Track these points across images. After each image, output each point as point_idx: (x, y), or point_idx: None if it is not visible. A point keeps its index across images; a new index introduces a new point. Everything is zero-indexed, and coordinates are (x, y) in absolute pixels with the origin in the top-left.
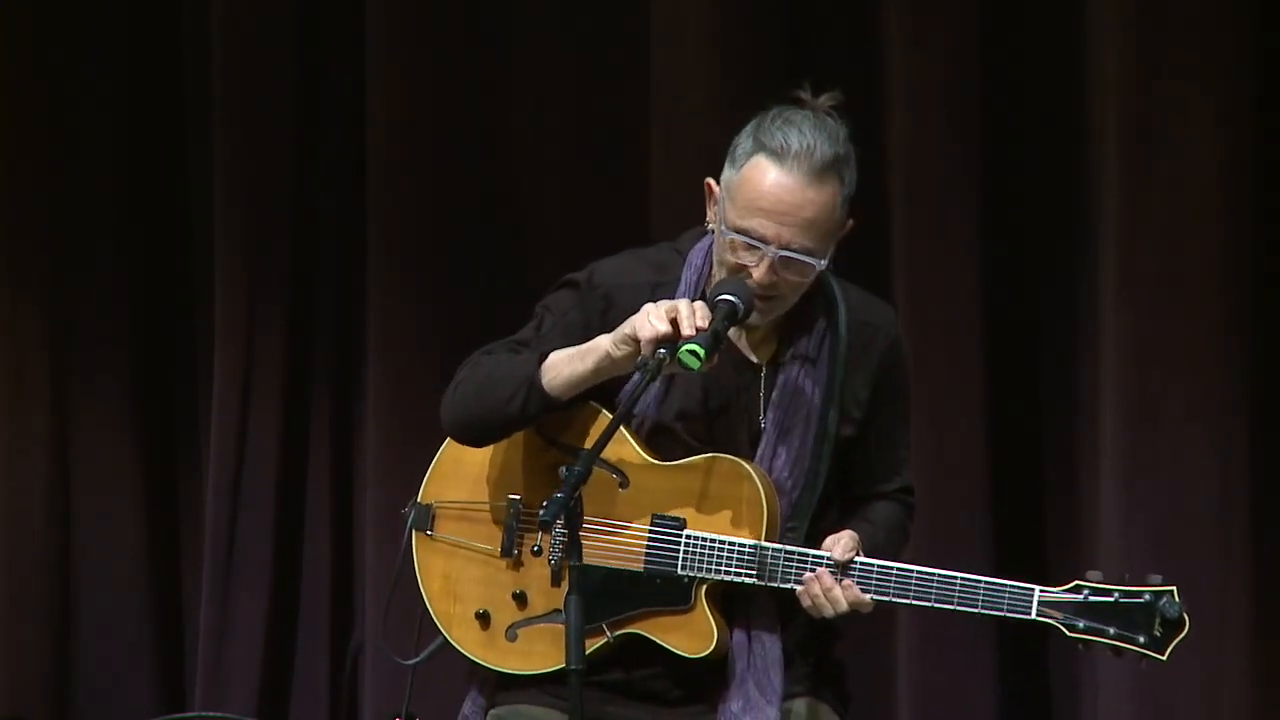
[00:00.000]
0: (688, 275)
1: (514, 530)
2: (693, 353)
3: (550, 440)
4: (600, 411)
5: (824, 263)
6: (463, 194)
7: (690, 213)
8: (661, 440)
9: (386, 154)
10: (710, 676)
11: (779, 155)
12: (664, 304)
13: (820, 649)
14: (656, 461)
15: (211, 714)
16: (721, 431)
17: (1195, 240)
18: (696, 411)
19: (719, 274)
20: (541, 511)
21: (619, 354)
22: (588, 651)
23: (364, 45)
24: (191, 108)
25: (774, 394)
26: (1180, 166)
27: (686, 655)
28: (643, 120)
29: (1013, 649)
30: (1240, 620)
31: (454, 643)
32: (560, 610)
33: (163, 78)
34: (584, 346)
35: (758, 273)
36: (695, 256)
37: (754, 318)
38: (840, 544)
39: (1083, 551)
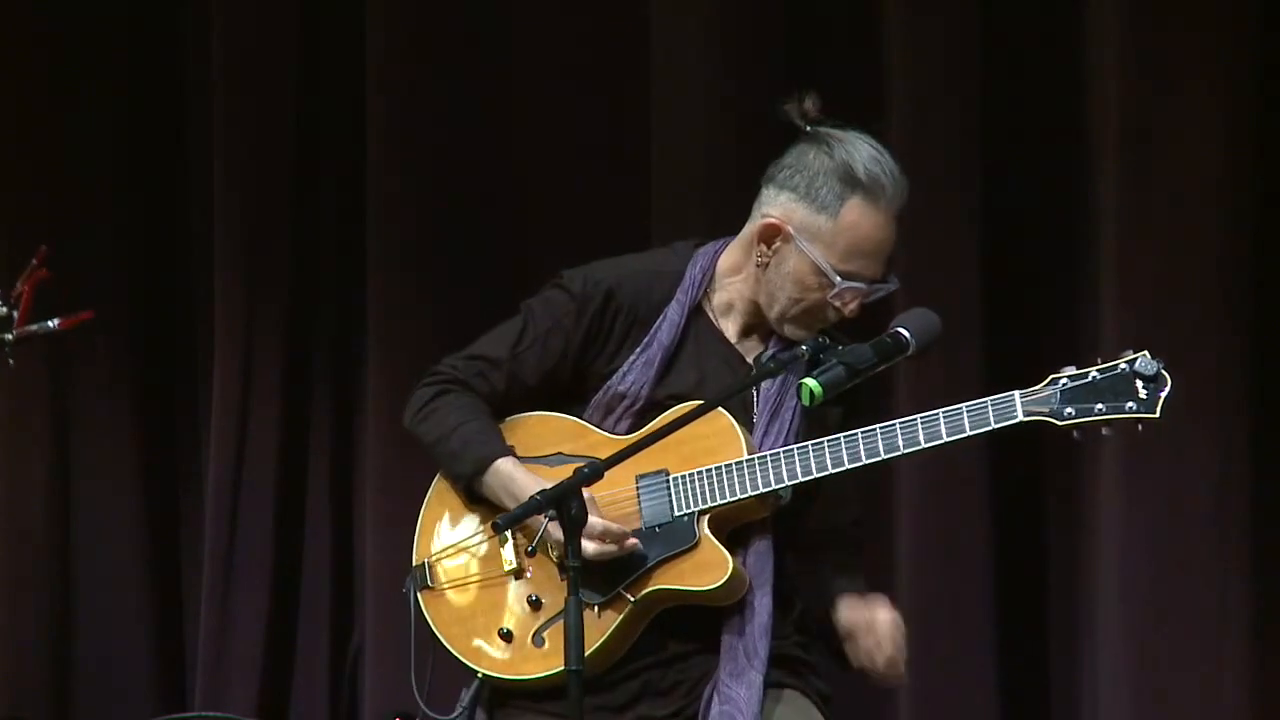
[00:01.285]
0: (692, 272)
1: (509, 545)
2: (811, 391)
3: (524, 459)
4: (563, 419)
5: (896, 283)
6: (463, 194)
7: (690, 212)
8: (652, 419)
9: (386, 154)
10: (699, 656)
11: (875, 196)
12: (603, 533)
13: (806, 641)
14: (619, 434)
15: (211, 714)
16: None
17: (1195, 240)
18: (691, 394)
19: (779, 307)
20: (498, 519)
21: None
22: (614, 625)
23: (364, 45)
24: (191, 107)
25: (765, 389)
26: (1180, 167)
27: (707, 589)
28: (643, 120)
29: (1013, 649)
30: (1240, 619)
31: (488, 674)
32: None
33: (163, 76)
34: (521, 490)
35: (852, 308)
36: (702, 258)
37: (804, 335)
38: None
39: (1083, 551)
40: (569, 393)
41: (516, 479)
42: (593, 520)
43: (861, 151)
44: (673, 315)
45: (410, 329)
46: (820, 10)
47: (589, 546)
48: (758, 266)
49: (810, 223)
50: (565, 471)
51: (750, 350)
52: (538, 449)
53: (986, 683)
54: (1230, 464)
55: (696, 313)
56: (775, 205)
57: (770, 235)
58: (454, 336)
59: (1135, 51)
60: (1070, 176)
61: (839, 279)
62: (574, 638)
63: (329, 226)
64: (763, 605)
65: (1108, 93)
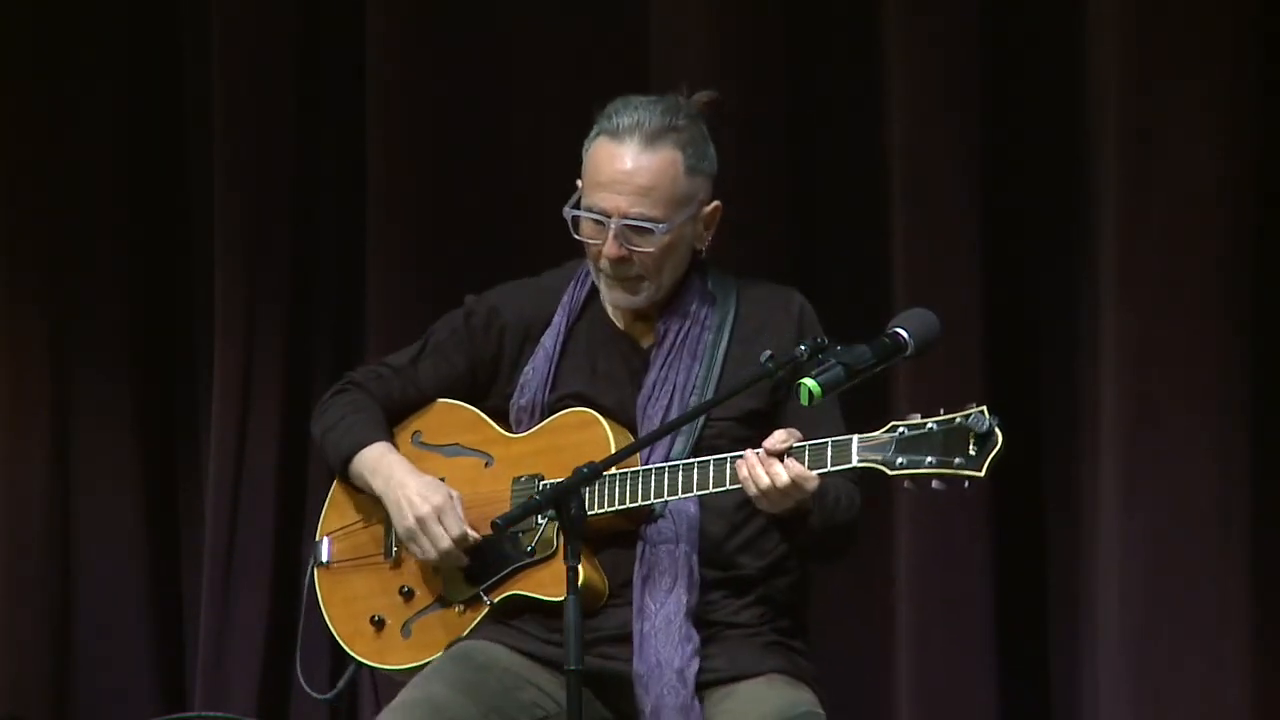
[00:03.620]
0: (579, 276)
1: (392, 532)
2: (810, 391)
3: (425, 446)
4: (465, 410)
5: (664, 228)
6: (463, 194)
7: None
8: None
9: (386, 154)
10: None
11: (613, 132)
12: (438, 539)
13: (790, 623)
14: (514, 434)
15: (211, 714)
16: (612, 408)
17: (1195, 240)
18: (585, 393)
19: (592, 272)
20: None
21: (393, 509)
22: (472, 626)
23: (365, 45)
24: (191, 107)
25: (648, 369)
26: (1181, 167)
27: (553, 600)
28: None
29: (1013, 649)
30: (1240, 620)
31: (357, 658)
32: (443, 597)
33: (163, 78)
34: (388, 474)
35: (607, 247)
36: (582, 270)
37: (626, 300)
38: (771, 436)
39: (1083, 552)
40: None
41: (383, 462)
42: (437, 531)
43: (626, 102)
44: (556, 320)
45: (410, 329)
46: (820, 11)
47: (425, 547)
48: None
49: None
50: (460, 463)
51: (642, 333)
52: (437, 437)
53: (986, 683)
54: (1230, 464)
55: (588, 310)
56: None
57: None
58: None
59: (1135, 51)
60: (1070, 176)
61: (584, 213)
62: (574, 637)
63: (329, 226)
64: (656, 610)
65: (1108, 93)
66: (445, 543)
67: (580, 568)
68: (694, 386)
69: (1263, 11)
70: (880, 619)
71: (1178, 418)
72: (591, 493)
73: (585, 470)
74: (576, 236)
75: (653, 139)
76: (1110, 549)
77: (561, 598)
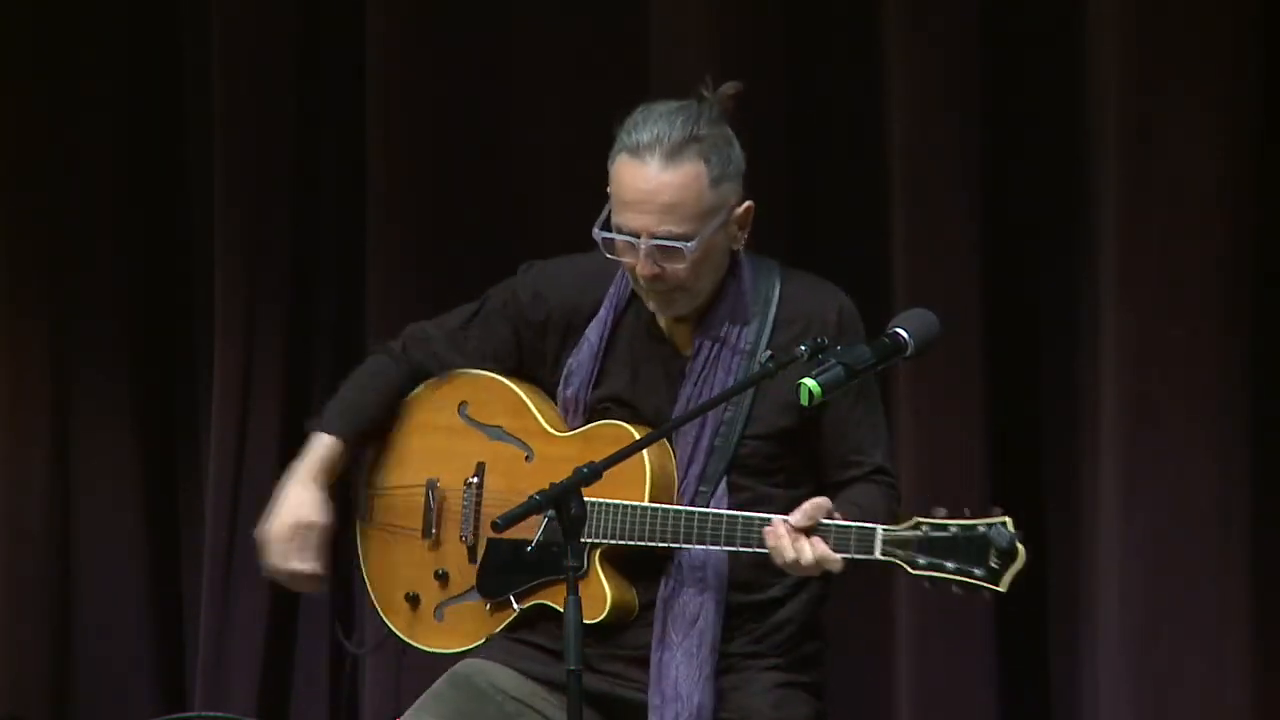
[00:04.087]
0: (620, 281)
1: (432, 510)
2: (810, 391)
3: (470, 420)
4: (510, 389)
5: (692, 246)
6: (463, 194)
7: None
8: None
9: (387, 154)
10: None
11: (634, 150)
12: (275, 559)
13: (812, 647)
14: (556, 433)
15: (211, 714)
16: (650, 415)
17: (1195, 240)
18: (626, 397)
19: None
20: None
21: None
22: (500, 628)
23: (365, 45)
24: (191, 107)
25: (684, 382)
26: (1181, 167)
27: (588, 622)
28: None
29: (1013, 649)
30: (1240, 620)
31: (391, 627)
32: (475, 588)
33: (163, 78)
34: (297, 467)
35: (640, 267)
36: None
37: (666, 310)
38: (801, 509)
39: (1083, 552)
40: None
41: (308, 457)
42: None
43: (645, 114)
44: (602, 313)
45: None
46: (820, 11)
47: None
48: None
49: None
50: (501, 450)
51: (682, 338)
52: (483, 414)
53: (986, 683)
54: (1230, 464)
55: (632, 306)
56: None
57: None
58: None
59: (1135, 51)
60: (1070, 176)
61: (614, 234)
62: (573, 637)
63: (329, 226)
64: (695, 602)
65: (1108, 93)
66: (279, 566)
67: (610, 584)
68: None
69: (1263, 11)
70: (881, 619)
71: (1178, 418)
72: (618, 523)
73: (585, 470)
74: (610, 256)
75: (674, 154)
76: (1110, 549)
77: (591, 620)
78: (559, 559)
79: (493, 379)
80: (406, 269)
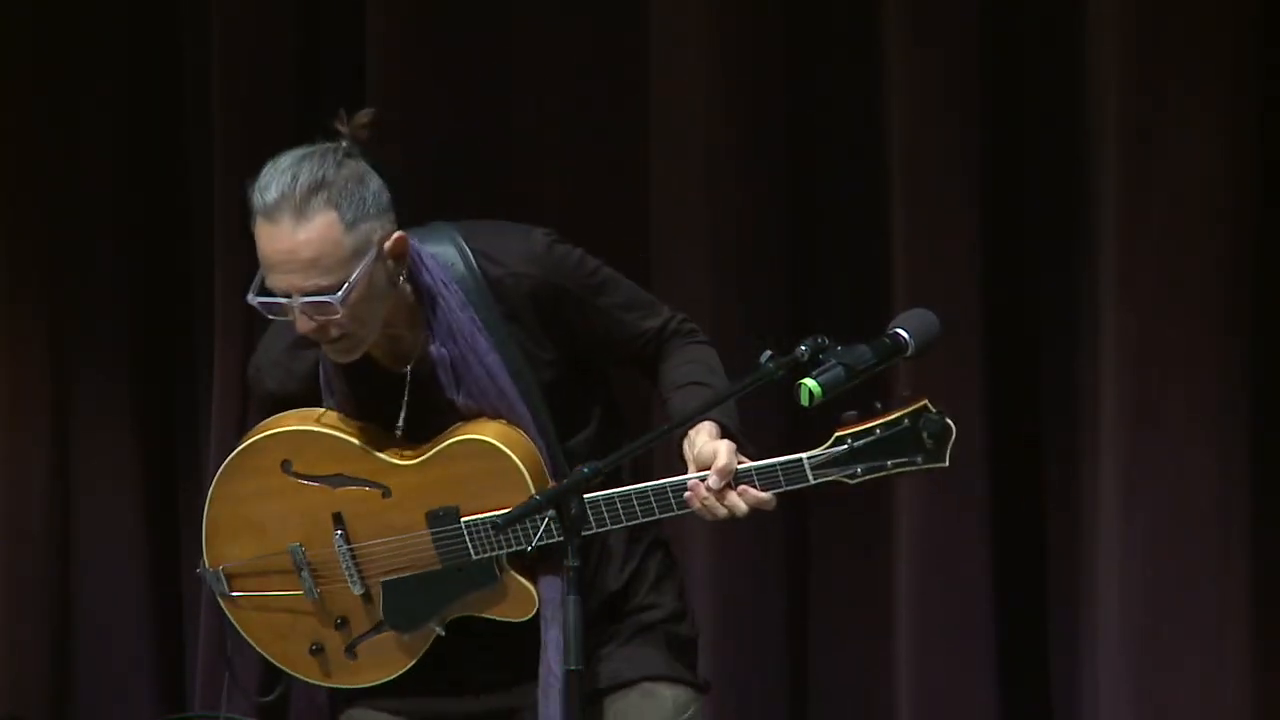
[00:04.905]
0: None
1: (305, 575)
2: (810, 391)
3: (300, 476)
4: (330, 435)
5: (340, 296)
6: (462, 195)
7: (690, 212)
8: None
9: (386, 154)
10: (532, 653)
11: (266, 213)
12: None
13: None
14: (406, 462)
15: (211, 714)
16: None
17: (1195, 240)
18: (352, 414)
19: None
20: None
21: None
22: (422, 652)
23: (365, 45)
24: (192, 105)
25: (406, 397)
26: (1181, 167)
27: (520, 620)
28: (643, 120)
29: (1013, 649)
30: (1240, 620)
31: (302, 678)
32: (382, 623)
33: (163, 77)
34: None
35: (299, 325)
36: None
37: (345, 358)
38: (714, 470)
39: (1083, 552)
40: None
41: None
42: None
43: (272, 169)
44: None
45: None
46: (820, 10)
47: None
48: None
49: None
50: (353, 495)
51: (399, 360)
52: (314, 467)
53: (986, 683)
54: (1230, 464)
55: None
56: None
57: None
58: None
59: (1135, 51)
60: (1070, 176)
61: (264, 298)
62: (573, 636)
63: None
64: (551, 637)
65: (1108, 93)
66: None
67: (529, 582)
68: (495, 350)
69: (1263, 11)
70: (881, 620)
71: (1178, 418)
72: (530, 529)
73: (585, 471)
74: (272, 317)
75: (302, 208)
76: (1110, 549)
77: (523, 618)
78: (471, 576)
79: (304, 431)
80: None
